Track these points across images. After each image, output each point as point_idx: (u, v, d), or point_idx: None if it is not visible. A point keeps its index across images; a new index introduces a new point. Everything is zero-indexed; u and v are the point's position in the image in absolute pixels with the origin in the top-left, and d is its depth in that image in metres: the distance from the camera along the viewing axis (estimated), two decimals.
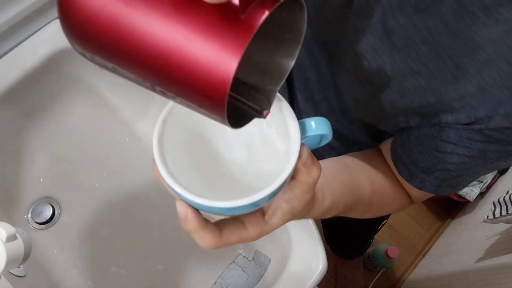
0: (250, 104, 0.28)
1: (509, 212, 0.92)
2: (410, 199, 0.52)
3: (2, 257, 0.44)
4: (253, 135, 0.31)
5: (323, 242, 0.64)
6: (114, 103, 0.77)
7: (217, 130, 0.31)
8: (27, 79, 0.64)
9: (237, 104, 0.28)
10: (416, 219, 1.66)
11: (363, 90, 0.43)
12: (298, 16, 0.25)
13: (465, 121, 0.37)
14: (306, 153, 0.29)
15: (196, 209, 0.29)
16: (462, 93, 0.35)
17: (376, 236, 1.52)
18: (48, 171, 0.75)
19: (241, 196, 0.27)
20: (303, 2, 0.23)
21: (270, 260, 0.71)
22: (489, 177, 1.40)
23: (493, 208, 0.99)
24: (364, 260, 1.57)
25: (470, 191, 1.42)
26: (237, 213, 0.30)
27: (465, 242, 1.33)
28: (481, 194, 1.46)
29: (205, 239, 0.30)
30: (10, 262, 0.44)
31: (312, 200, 0.35)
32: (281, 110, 0.30)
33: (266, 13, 0.20)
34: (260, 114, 0.28)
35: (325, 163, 0.47)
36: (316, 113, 0.57)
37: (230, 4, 0.20)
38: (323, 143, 0.33)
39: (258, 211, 0.32)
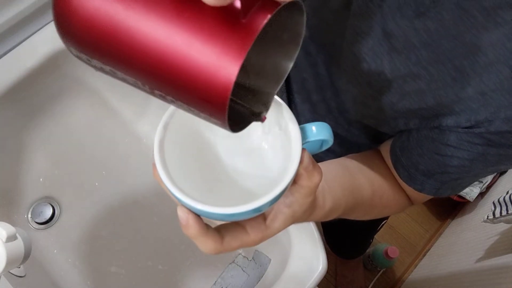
0: (249, 107, 0.28)
1: (509, 212, 0.92)
2: (410, 200, 0.52)
3: (2, 257, 0.44)
4: (254, 140, 0.31)
5: (323, 242, 0.64)
6: (114, 103, 0.77)
7: (219, 135, 0.31)
8: (27, 79, 0.64)
9: (236, 108, 0.28)
10: (416, 219, 1.66)
11: (362, 92, 0.43)
12: (297, 19, 0.24)
13: (465, 125, 0.37)
14: (307, 158, 0.29)
15: (197, 215, 0.29)
16: (462, 96, 0.35)
17: (376, 236, 1.52)
18: (48, 171, 0.75)
19: (242, 201, 0.27)
20: (302, 5, 0.23)
21: (270, 260, 0.71)
22: (489, 177, 1.40)
23: (493, 208, 0.99)
24: (364, 260, 1.56)
25: (470, 191, 1.42)
26: (238, 219, 0.30)
27: (465, 242, 1.33)
28: (481, 194, 1.46)
29: (206, 244, 0.30)
30: (10, 262, 0.44)
31: (313, 204, 0.35)
32: (282, 115, 0.30)
33: (268, 16, 0.20)
34: (258, 117, 0.28)
35: (325, 165, 0.47)
36: (314, 114, 0.57)
37: (231, 8, 0.20)
38: (324, 148, 0.33)
39: (259, 215, 0.32)
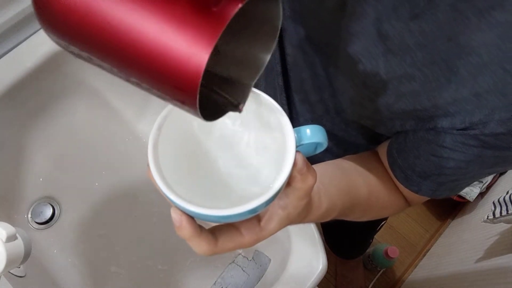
0: (226, 97, 0.29)
1: (509, 212, 0.92)
2: (407, 202, 0.52)
3: (2, 257, 0.44)
4: (248, 142, 0.31)
5: (323, 242, 0.64)
6: (114, 103, 0.77)
7: (213, 137, 0.31)
8: (27, 79, 0.64)
9: (213, 97, 0.29)
10: (416, 219, 1.66)
11: (358, 93, 0.43)
12: (273, 11, 0.25)
13: (460, 126, 0.37)
14: (301, 161, 0.29)
15: (190, 216, 0.29)
16: (457, 97, 0.35)
17: (376, 236, 1.52)
18: (48, 171, 0.75)
19: (236, 203, 0.27)
20: None
21: (270, 260, 0.71)
22: (489, 177, 1.40)
23: (493, 208, 0.99)
24: (364, 260, 1.57)
25: (470, 191, 1.42)
26: (232, 220, 0.30)
27: (465, 242, 1.33)
28: (481, 194, 1.46)
29: (200, 246, 0.30)
30: (10, 262, 0.44)
31: (308, 206, 0.35)
32: (277, 118, 0.30)
33: (239, 6, 0.20)
34: (236, 108, 0.28)
35: (322, 166, 0.47)
36: (312, 114, 0.57)
37: None
38: (318, 151, 0.33)
39: (254, 217, 0.32)
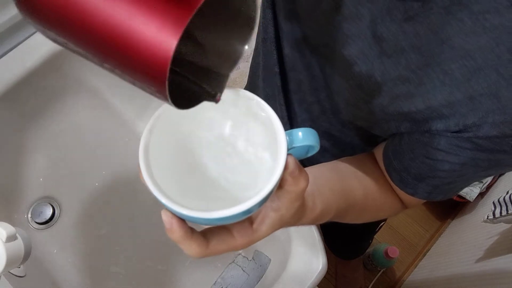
0: (204, 87, 0.29)
1: (509, 212, 0.92)
2: (403, 204, 0.52)
3: (2, 257, 0.44)
4: (240, 145, 0.31)
5: (323, 242, 0.64)
6: (114, 103, 0.77)
7: (204, 140, 0.31)
8: (27, 79, 0.64)
9: (189, 86, 0.29)
10: (416, 219, 1.66)
11: (354, 94, 0.43)
12: (249, 2, 0.25)
13: (454, 129, 0.37)
14: (293, 164, 0.29)
15: (181, 219, 0.29)
16: (451, 100, 0.35)
17: (376, 236, 1.52)
18: (48, 171, 0.75)
19: (226, 206, 0.27)
20: None
21: (270, 260, 0.71)
22: (489, 177, 1.41)
23: (493, 208, 0.99)
24: (364, 260, 1.57)
25: (470, 191, 1.42)
26: (223, 223, 0.30)
27: (465, 242, 1.33)
28: (481, 194, 1.46)
29: (191, 248, 0.30)
30: (10, 262, 0.44)
31: (301, 208, 0.35)
32: (269, 120, 0.30)
33: None
34: (213, 98, 0.29)
35: (317, 168, 0.47)
36: (309, 114, 0.57)
37: None
38: (311, 154, 0.33)
39: (246, 219, 0.32)
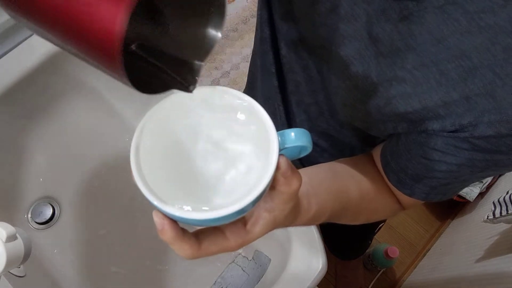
0: (176, 77, 0.29)
1: (509, 212, 0.92)
2: (401, 205, 0.52)
3: (2, 257, 0.44)
4: (231, 145, 0.31)
5: (323, 242, 0.64)
6: (113, 103, 0.77)
7: (195, 140, 0.31)
8: (27, 79, 0.64)
9: (163, 77, 0.29)
10: (416, 219, 1.66)
11: (351, 95, 0.43)
12: None
13: (450, 129, 0.37)
14: (285, 164, 0.29)
15: (173, 220, 0.29)
16: (447, 100, 0.35)
17: (376, 236, 1.52)
18: (48, 171, 0.75)
19: (217, 207, 0.27)
20: None
21: (270, 260, 0.71)
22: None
23: (493, 208, 0.99)
24: (364, 260, 1.57)
25: (470, 191, 1.42)
26: (214, 224, 0.30)
27: (465, 242, 1.33)
28: (481, 194, 1.46)
29: (183, 249, 0.30)
30: (10, 262, 0.44)
31: (295, 209, 0.35)
32: (261, 121, 0.30)
33: None
34: (187, 88, 0.29)
35: (313, 169, 0.47)
36: (307, 115, 0.57)
37: None
38: (303, 154, 0.33)
39: (239, 220, 0.32)
